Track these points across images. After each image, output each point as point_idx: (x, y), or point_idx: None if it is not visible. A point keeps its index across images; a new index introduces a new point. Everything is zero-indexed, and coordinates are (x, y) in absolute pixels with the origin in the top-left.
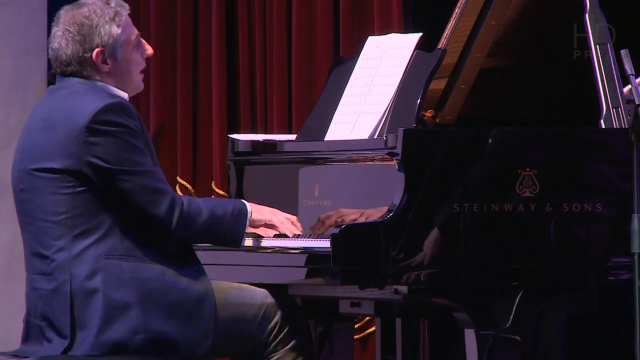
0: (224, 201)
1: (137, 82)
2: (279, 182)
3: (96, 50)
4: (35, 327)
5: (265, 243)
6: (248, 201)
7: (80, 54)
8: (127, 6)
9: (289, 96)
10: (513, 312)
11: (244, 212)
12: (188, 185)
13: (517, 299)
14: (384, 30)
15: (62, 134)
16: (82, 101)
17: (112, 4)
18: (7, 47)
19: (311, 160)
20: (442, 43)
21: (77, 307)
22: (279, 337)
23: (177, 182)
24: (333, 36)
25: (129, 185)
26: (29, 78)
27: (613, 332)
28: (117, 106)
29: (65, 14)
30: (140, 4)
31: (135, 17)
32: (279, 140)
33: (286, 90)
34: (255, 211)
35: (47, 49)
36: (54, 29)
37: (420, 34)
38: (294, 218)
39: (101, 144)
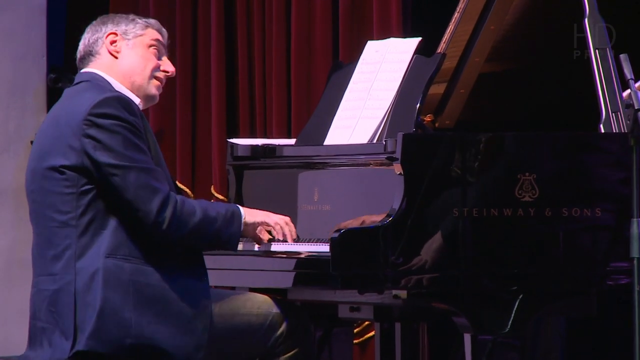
0: (217, 204)
1: (149, 88)
2: (278, 186)
3: (109, 32)
4: (40, 331)
5: (264, 248)
6: (243, 206)
7: (95, 40)
8: (162, 30)
9: (288, 100)
10: (512, 317)
11: (237, 214)
12: (187, 190)
13: (516, 304)
14: (383, 35)
15: (64, 130)
16: (83, 96)
17: (150, 19)
18: (6, 52)
19: (310, 164)
20: (441, 47)
21: (79, 308)
22: (282, 346)
23: (176, 186)
24: (332, 41)
25: (119, 180)
26: (27, 82)
27: (612, 337)
28: (116, 100)
29: (99, 17)
30: (138, 8)
31: None
32: (278, 145)
33: (285, 94)
34: (249, 214)
35: (47, 54)
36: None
37: (420, 38)
38: (287, 219)
39: (97, 137)
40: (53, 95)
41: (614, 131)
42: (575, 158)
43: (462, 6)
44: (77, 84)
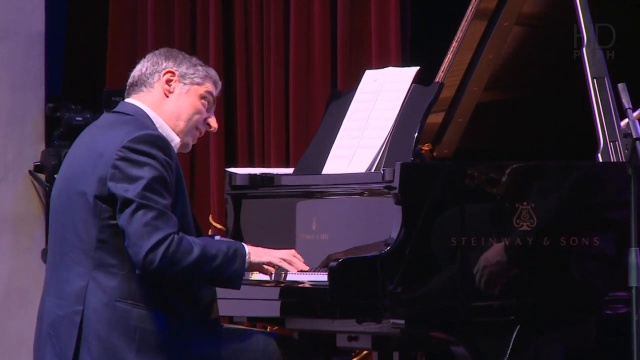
0: (220, 242)
1: (188, 137)
2: (276, 215)
3: (167, 69)
4: (43, 343)
5: (262, 276)
6: (247, 243)
7: (152, 72)
8: (219, 83)
9: (287, 129)
10: (510, 346)
11: (241, 252)
12: None
13: (515, 333)
14: (381, 64)
15: (98, 162)
16: (123, 130)
17: (211, 70)
18: (4, 81)
19: (308, 193)
20: (439, 77)
21: (83, 340)
22: None
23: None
24: (330, 69)
25: (128, 213)
26: (26, 112)
27: None
28: (154, 138)
29: (163, 48)
30: (137, 40)
31: (132, 58)
32: (277, 174)
33: (283, 123)
34: (254, 254)
35: (45, 83)
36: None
37: (418, 67)
38: (292, 252)
39: (124, 169)
40: (51, 125)
41: (612, 160)
42: (573, 187)
43: (460, 35)
44: (119, 113)
